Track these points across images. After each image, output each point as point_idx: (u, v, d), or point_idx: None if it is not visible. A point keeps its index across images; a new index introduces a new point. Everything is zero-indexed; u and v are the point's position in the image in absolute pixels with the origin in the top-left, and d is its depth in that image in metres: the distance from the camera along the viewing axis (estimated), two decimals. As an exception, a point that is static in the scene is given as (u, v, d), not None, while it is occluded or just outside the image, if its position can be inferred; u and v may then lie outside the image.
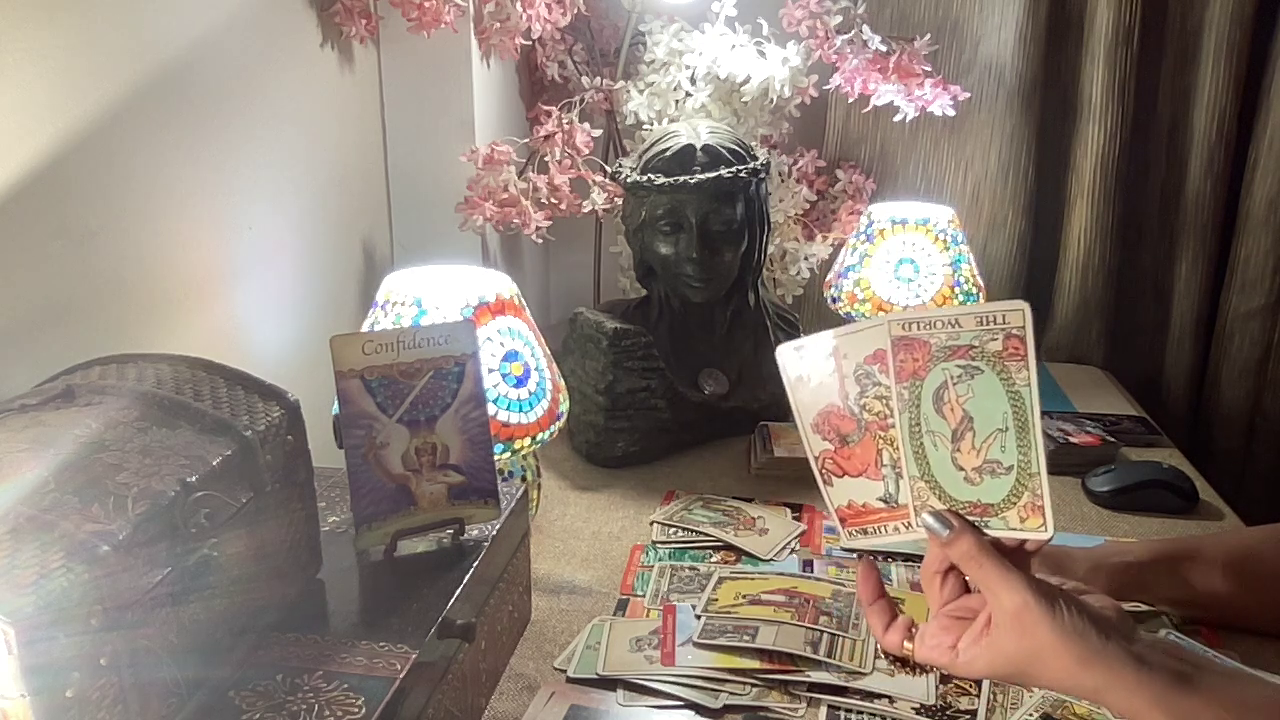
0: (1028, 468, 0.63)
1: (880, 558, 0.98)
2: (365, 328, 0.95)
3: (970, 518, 0.64)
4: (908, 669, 0.79)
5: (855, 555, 0.98)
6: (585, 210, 1.35)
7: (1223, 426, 1.61)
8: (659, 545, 1.01)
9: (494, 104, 1.36)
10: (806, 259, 1.52)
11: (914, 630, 0.68)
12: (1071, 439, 1.22)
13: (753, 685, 0.79)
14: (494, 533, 0.79)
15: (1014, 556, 0.64)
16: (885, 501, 0.68)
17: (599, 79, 1.42)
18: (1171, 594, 0.86)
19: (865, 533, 0.69)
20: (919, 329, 0.64)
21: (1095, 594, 0.65)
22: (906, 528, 0.67)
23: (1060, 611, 0.60)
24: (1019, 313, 0.62)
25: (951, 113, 1.37)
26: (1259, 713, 0.57)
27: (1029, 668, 0.61)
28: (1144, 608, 0.88)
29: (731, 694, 0.78)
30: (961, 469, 0.64)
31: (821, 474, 0.70)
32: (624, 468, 1.18)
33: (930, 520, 0.65)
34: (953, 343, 0.63)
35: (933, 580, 0.68)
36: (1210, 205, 1.52)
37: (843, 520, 0.70)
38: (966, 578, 0.66)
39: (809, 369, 0.69)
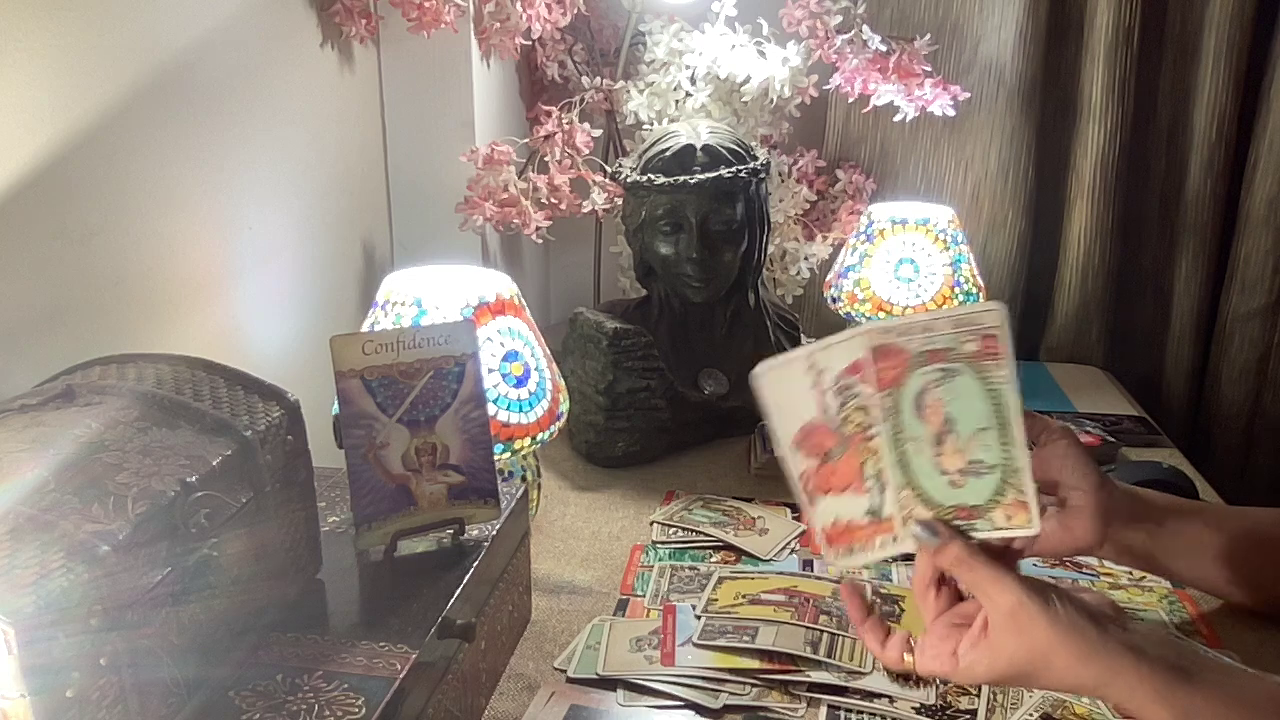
0: (1011, 464, 0.62)
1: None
2: (365, 328, 0.95)
3: (956, 523, 0.64)
4: (910, 683, 0.78)
5: (837, 581, 0.96)
6: (585, 210, 1.35)
7: (1223, 426, 1.60)
8: (659, 545, 1.01)
9: (494, 104, 1.36)
10: (806, 259, 1.52)
11: (912, 643, 0.68)
12: (1071, 439, 1.22)
13: (753, 685, 0.79)
14: (494, 533, 0.79)
15: (1002, 558, 0.64)
16: (871, 515, 0.66)
17: (599, 79, 1.42)
18: (1172, 544, 0.84)
19: (851, 551, 0.68)
20: (895, 337, 0.64)
21: (1088, 590, 0.65)
22: (893, 541, 0.66)
23: (1055, 607, 0.60)
24: (993, 313, 0.62)
25: (951, 113, 1.37)
26: (1257, 708, 0.58)
27: (1030, 667, 0.61)
28: (1142, 607, 0.88)
29: (731, 694, 0.78)
30: (945, 473, 0.64)
31: (805, 494, 0.69)
32: (624, 468, 1.18)
33: (919, 530, 0.64)
34: (929, 347, 0.63)
35: (926, 593, 0.68)
36: (1210, 205, 1.52)
37: (829, 540, 0.69)
38: (959, 585, 0.67)
39: (786, 388, 0.68)
